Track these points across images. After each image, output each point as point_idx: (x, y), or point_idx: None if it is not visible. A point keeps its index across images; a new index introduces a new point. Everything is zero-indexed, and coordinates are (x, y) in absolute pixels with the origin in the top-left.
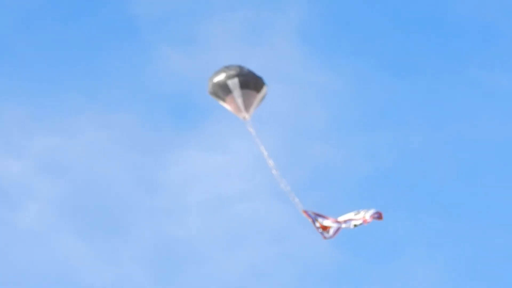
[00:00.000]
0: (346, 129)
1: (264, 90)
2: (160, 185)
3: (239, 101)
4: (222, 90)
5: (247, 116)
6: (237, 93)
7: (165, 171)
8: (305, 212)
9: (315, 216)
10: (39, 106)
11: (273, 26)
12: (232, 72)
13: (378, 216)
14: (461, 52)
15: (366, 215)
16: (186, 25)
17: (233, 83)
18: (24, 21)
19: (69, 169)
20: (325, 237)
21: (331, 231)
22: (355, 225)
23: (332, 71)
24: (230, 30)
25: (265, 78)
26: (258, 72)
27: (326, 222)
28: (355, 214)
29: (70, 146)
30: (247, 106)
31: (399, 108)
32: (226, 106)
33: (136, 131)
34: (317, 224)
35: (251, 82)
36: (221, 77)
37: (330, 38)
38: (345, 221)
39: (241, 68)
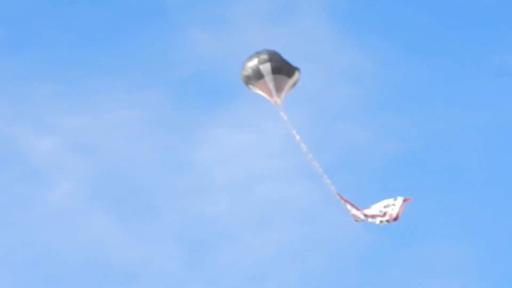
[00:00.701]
0: (375, 109)
1: (296, 75)
2: (190, 164)
3: (271, 85)
4: (254, 75)
5: (278, 100)
6: (269, 77)
7: (194, 150)
8: (339, 194)
9: (345, 203)
10: (69, 85)
11: (301, 6)
12: (264, 57)
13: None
14: (489, 35)
15: (393, 210)
16: (213, 6)
17: (265, 68)
18: (53, 2)
19: (99, 148)
20: (356, 220)
21: (362, 216)
22: (381, 221)
23: (361, 51)
24: (258, 10)
25: (294, 58)
26: (286, 51)
27: (355, 212)
28: (384, 207)
29: (100, 125)
30: (278, 91)
31: (427, 89)
32: (258, 91)
33: (166, 110)
34: (349, 207)
35: (283, 67)
36: (253, 62)
37: (359, 17)
38: (373, 216)
39: (273, 53)
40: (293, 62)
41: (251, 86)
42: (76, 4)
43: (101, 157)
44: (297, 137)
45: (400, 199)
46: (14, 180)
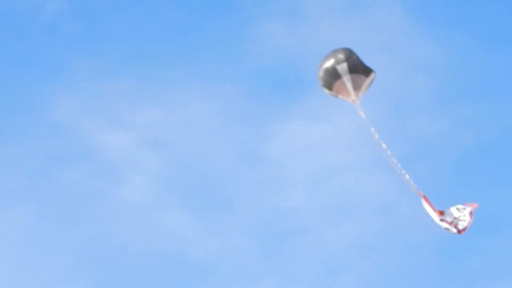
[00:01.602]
0: (449, 100)
1: (372, 75)
2: (264, 157)
3: (349, 85)
4: (332, 76)
5: (356, 99)
6: (346, 77)
7: (269, 144)
8: (420, 193)
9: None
10: (143, 80)
11: None
12: (340, 57)
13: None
14: None
15: (462, 226)
16: None
17: (342, 68)
18: None
19: (174, 142)
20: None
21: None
22: (447, 229)
23: (434, 42)
24: (331, 2)
25: (367, 49)
26: (359, 43)
27: (430, 212)
28: (455, 218)
29: (174, 119)
30: (356, 90)
31: (502, 79)
32: (335, 92)
33: (240, 104)
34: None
35: (359, 67)
36: (329, 63)
37: (432, 8)
38: (443, 220)
39: (349, 52)
40: (367, 53)
41: (326, 90)
42: None
43: (175, 151)
44: (376, 135)
45: (468, 210)
46: (89, 176)
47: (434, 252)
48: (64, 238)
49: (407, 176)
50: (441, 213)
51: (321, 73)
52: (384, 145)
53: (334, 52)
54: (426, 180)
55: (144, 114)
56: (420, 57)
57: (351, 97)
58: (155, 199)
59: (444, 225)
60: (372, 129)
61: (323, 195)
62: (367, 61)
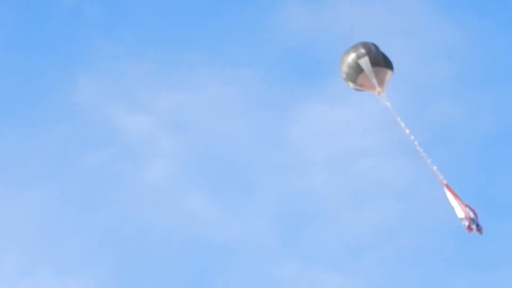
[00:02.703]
0: (470, 85)
1: (392, 67)
2: (285, 141)
3: (372, 78)
4: (355, 70)
5: (382, 91)
6: (368, 71)
7: (289, 127)
8: (447, 185)
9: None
10: (163, 62)
11: None
12: (362, 51)
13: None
14: None
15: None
16: None
17: (364, 61)
18: None
19: (194, 125)
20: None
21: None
22: (461, 219)
23: (455, 27)
24: None
25: (387, 34)
26: (380, 27)
27: (454, 203)
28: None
29: (195, 102)
30: (380, 82)
31: None
32: (359, 86)
33: (261, 87)
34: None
35: (380, 59)
36: (351, 57)
37: None
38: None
39: (369, 46)
40: (387, 38)
41: (350, 83)
42: None
43: (196, 134)
44: (402, 124)
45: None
46: (110, 159)
47: (454, 236)
48: (85, 221)
49: (431, 165)
50: (465, 205)
51: (343, 68)
52: (412, 136)
53: (354, 47)
54: (447, 165)
55: (165, 97)
56: (441, 42)
57: (376, 89)
58: (176, 182)
59: (461, 216)
60: (399, 118)
61: (344, 179)
62: (388, 45)
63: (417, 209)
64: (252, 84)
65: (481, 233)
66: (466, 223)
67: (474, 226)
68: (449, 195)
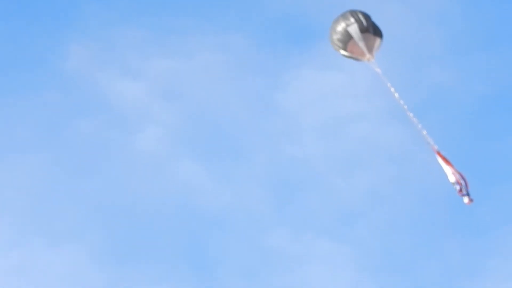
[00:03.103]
0: (461, 50)
1: (381, 35)
2: (277, 106)
3: (361, 44)
4: (344, 37)
5: (371, 57)
6: (357, 37)
7: (281, 93)
8: (440, 154)
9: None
10: (155, 29)
11: None
12: (351, 19)
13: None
14: None
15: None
16: None
17: (353, 29)
18: None
19: (186, 92)
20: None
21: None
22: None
23: None
24: None
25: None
26: None
27: (446, 169)
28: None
29: (186, 69)
30: (369, 48)
31: None
32: (349, 53)
33: (252, 52)
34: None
35: (369, 26)
36: (341, 25)
37: None
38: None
39: (357, 13)
40: (379, 4)
41: (341, 50)
42: None
43: (188, 101)
44: (393, 89)
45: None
46: (101, 126)
47: (447, 201)
48: (76, 190)
49: (423, 131)
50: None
51: (333, 36)
52: (402, 101)
53: (343, 15)
54: (439, 130)
55: (157, 64)
56: (432, 7)
57: (365, 56)
58: (167, 149)
59: (453, 180)
60: (389, 84)
61: (336, 145)
62: (380, 11)
63: (409, 174)
64: (243, 50)
65: (470, 202)
66: (458, 187)
67: (465, 193)
68: (441, 161)
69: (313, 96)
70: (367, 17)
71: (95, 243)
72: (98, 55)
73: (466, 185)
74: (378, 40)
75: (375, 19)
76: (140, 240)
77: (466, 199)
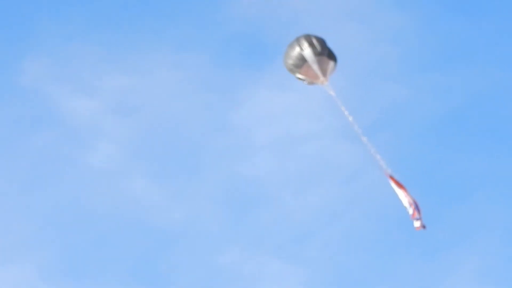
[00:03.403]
0: (416, 69)
1: (335, 59)
2: (231, 124)
3: (316, 67)
4: (298, 61)
5: (325, 80)
6: (312, 60)
7: (235, 111)
8: (392, 178)
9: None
10: (110, 46)
11: None
12: (305, 44)
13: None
14: None
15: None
16: None
17: (308, 53)
18: None
19: (140, 109)
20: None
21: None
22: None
23: (401, 10)
24: None
25: (335, 17)
26: (326, 10)
27: (399, 193)
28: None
29: (142, 86)
30: (324, 71)
31: (469, 49)
32: (304, 76)
33: (207, 70)
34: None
35: (323, 50)
36: (295, 50)
37: None
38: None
39: (311, 38)
40: (334, 22)
41: (296, 75)
42: None
43: (141, 118)
44: (346, 112)
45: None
46: (54, 141)
47: (400, 221)
48: (29, 203)
49: (376, 156)
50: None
51: (288, 61)
52: (355, 126)
53: (297, 40)
54: (392, 148)
55: (111, 81)
56: (387, 25)
57: (319, 79)
58: (120, 165)
59: (407, 205)
60: (343, 108)
61: (289, 163)
62: (334, 29)
63: (361, 194)
64: (199, 68)
65: (421, 228)
66: (411, 210)
67: (417, 217)
68: (393, 185)
69: (267, 115)
70: (321, 41)
71: (45, 259)
72: (53, 71)
73: (419, 211)
74: (332, 63)
75: (331, 37)
76: (91, 256)
77: (417, 223)
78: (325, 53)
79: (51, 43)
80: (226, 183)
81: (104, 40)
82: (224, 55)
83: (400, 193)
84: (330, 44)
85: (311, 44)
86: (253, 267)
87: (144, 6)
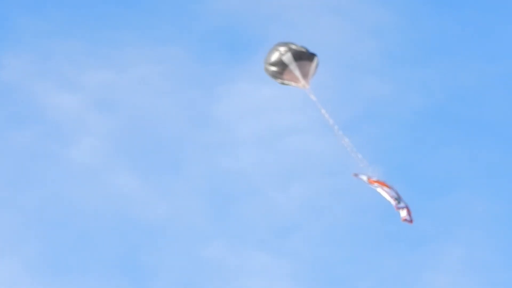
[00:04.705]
0: (398, 63)
1: (316, 60)
2: (213, 119)
3: (297, 72)
4: (279, 67)
5: (306, 84)
6: (292, 65)
7: (218, 105)
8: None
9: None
10: (91, 41)
11: None
12: (284, 49)
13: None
14: None
15: (399, 209)
16: None
17: (287, 57)
18: None
19: (122, 104)
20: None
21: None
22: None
23: (384, 5)
24: None
25: (317, 12)
26: (310, 6)
27: (381, 191)
28: (393, 199)
29: (123, 81)
30: (304, 75)
31: (452, 43)
32: (285, 81)
33: (188, 65)
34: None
35: (303, 54)
36: (275, 56)
37: None
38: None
39: (289, 44)
40: (316, 17)
41: (278, 79)
42: None
43: (123, 112)
44: (326, 116)
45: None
46: (36, 137)
47: (383, 214)
48: (12, 199)
49: (360, 160)
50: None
51: (268, 67)
52: (336, 127)
53: (275, 47)
54: (375, 142)
55: (93, 76)
56: (369, 19)
57: (300, 82)
58: (103, 160)
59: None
60: (323, 111)
61: (272, 157)
62: (316, 24)
63: (345, 187)
64: (180, 63)
65: (406, 221)
66: (404, 212)
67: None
68: (376, 186)
69: (249, 109)
70: (298, 45)
71: (30, 255)
72: (34, 67)
73: (409, 212)
74: (313, 64)
75: (313, 32)
76: (76, 251)
77: (403, 213)
78: (304, 56)
79: (32, 39)
80: (209, 177)
81: (85, 35)
82: (205, 49)
83: (382, 191)
84: (312, 38)
85: (290, 49)
86: (237, 260)
87: (125, 1)
